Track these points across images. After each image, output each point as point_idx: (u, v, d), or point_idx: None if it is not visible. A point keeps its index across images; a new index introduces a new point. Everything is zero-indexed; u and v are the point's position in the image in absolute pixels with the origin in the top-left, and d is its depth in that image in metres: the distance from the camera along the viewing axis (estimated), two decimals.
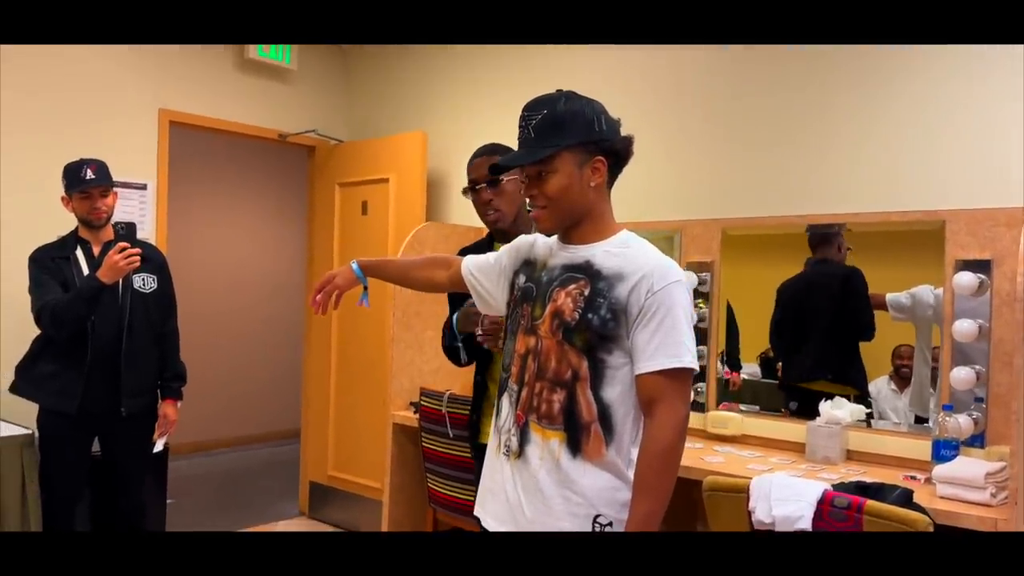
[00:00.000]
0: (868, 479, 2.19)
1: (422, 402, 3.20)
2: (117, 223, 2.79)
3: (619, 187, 1.69)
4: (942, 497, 2.18)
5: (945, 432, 2.41)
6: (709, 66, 3.22)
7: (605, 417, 1.56)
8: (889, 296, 2.71)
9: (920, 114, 2.71)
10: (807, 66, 2.95)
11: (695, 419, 3.01)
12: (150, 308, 2.96)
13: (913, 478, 2.40)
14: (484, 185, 2.21)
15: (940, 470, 2.23)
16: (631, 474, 1.56)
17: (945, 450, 2.38)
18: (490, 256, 1.83)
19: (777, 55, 3.03)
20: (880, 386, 2.76)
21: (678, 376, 1.52)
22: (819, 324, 2.95)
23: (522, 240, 1.78)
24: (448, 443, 3.06)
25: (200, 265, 5.91)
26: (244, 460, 5.97)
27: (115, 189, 2.94)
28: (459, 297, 2.10)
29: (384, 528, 3.49)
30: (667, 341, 1.51)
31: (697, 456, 2.69)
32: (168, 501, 3.58)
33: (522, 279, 1.70)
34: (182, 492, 4.80)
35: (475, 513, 1.76)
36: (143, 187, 3.89)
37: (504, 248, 1.82)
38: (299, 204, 5.48)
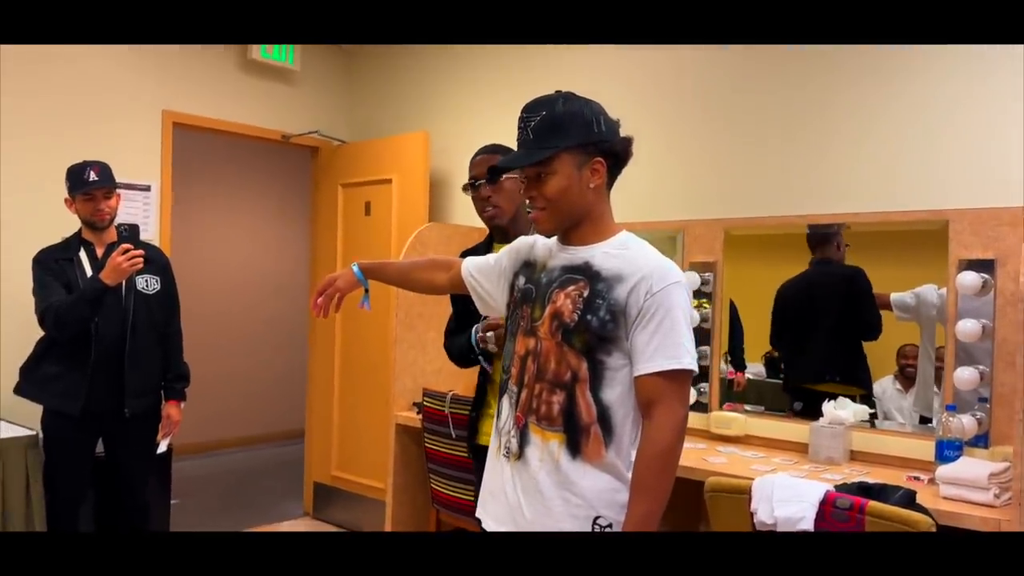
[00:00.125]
0: (871, 480, 2.18)
1: (425, 403, 3.21)
2: (120, 225, 2.80)
3: (622, 187, 1.69)
4: (945, 498, 2.17)
5: (948, 432, 2.40)
6: (711, 66, 3.22)
7: (605, 419, 1.56)
8: (894, 296, 2.70)
9: (923, 114, 2.70)
10: (810, 66, 2.95)
11: (698, 419, 3.01)
12: (153, 309, 2.97)
13: (916, 478, 2.39)
14: (483, 182, 2.23)
15: (943, 471, 2.22)
16: (631, 475, 1.55)
17: (948, 450, 2.38)
18: (490, 257, 1.83)
19: (780, 55, 3.02)
20: (885, 386, 2.75)
21: (677, 378, 1.52)
22: (825, 325, 2.94)
23: (522, 242, 1.78)
24: (451, 444, 3.06)
25: (204, 266, 5.92)
26: (248, 460, 5.98)
27: (118, 191, 2.96)
28: (461, 299, 2.11)
29: (387, 528, 3.50)
30: (666, 343, 1.51)
31: (700, 457, 2.68)
32: (172, 501, 3.59)
33: (522, 280, 1.70)
34: (186, 492, 4.81)
35: (476, 515, 1.76)
36: (146, 188, 3.90)
37: (504, 249, 1.82)
38: (302, 205, 5.49)
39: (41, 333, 2.86)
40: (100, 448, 2.98)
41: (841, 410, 2.70)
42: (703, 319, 3.08)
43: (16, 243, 3.29)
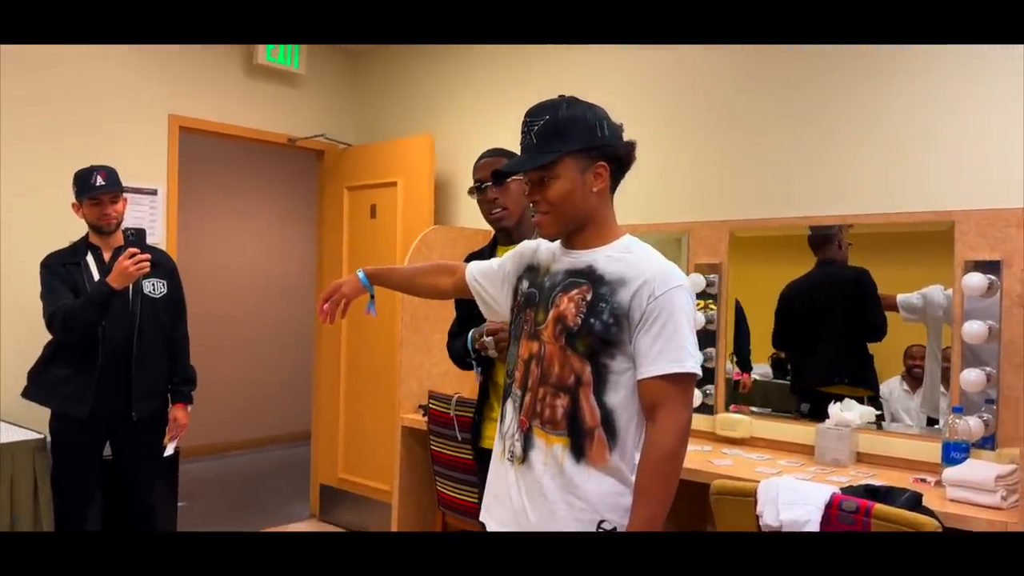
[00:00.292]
0: (877, 482, 2.18)
1: (431, 405, 3.21)
2: (127, 229, 2.81)
3: (627, 189, 1.70)
4: (952, 500, 2.17)
5: (955, 434, 2.39)
6: (716, 68, 3.22)
7: (608, 422, 1.56)
8: (900, 297, 2.70)
9: (928, 115, 2.69)
10: (813, 67, 2.94)
11: (704, 421, 3.01)
12: (160, 313, 2.98)
13: (923, 480, 2.39)
14: (489, 184, 2.24)
15: (950, 473, 2.22)
16: (635, 479, 1.55)
17: (955, 452, 2.37)
18: (494, 262, 1.84)
19: (783, 56, 3.02)
20: (892, 386, 2.75)
21: (680, 381, 1.52)
22: (830, 326, 2.94)
23: (525, 246, 1.78)
24: (457, 446, 3.07)
25: (210, 269, 5.94)
26: (255, 463, 5.99)
27: (125, 195, 2.97)
28: (465, 303, 2.12)
29: (393, 531, 3.50)
30: (669, 346, 1.51)
31: (705, 459, 2.68)
32: (179, 504, 3.61)
33: (525, 284, 1.70)
34: (193, 495, 4.82)
35: (480, 519, 1.76)
36: (153, 192, 3.92)
37: (508, 254, 1.82)
38: (308, 208, 5.50)
39: (49, 337, 2.88)
40: (108, 451, 2.99)
41: (847, 412, 2.70)
42: (708, 321, 3.08)
43: (24, 248, 3.31)
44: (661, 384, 1.51)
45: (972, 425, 2.40)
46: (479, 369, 2.29)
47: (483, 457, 2.02)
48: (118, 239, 2.92)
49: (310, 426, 4.82)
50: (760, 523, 2.03)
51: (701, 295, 3.08)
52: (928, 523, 1.82)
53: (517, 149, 1.67)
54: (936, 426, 2.59)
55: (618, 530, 1.56)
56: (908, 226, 2.67)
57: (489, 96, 4.06)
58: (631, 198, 1.94)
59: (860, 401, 2.75)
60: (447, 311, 2.47)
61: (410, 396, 3.52)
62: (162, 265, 3.00)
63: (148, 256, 2.73)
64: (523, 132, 1.60)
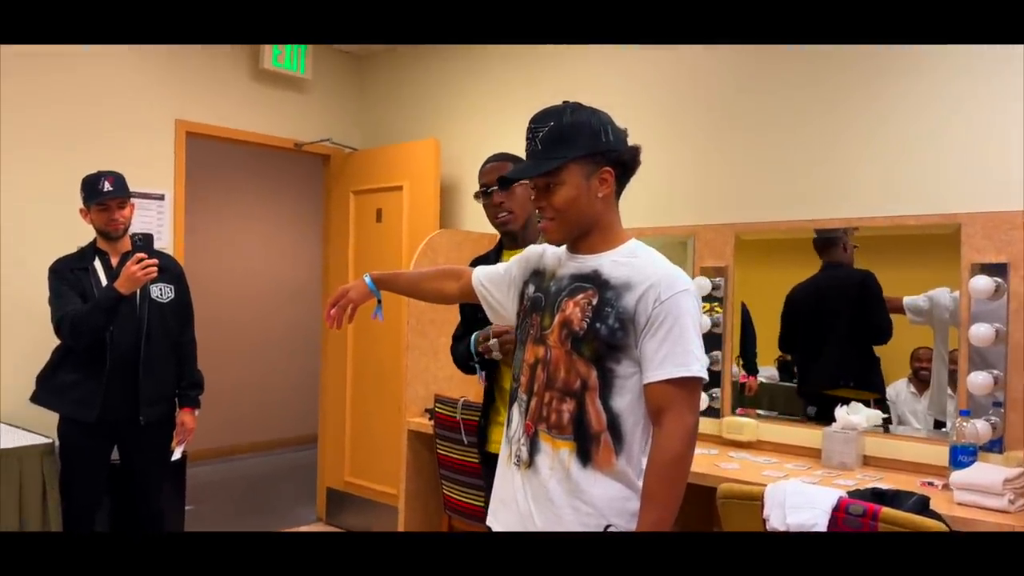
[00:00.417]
0: (884, 485, 2.17)
1: (437, 409, 3.21)
2: (135, 234, 2.83)
3: (633, 193, 1.70)
4: (959, 504, 2.16)
5: (962, 437, 2.38)
6: (721, 71, 3.22)
7: (615, 426, 1.56)
8: (906, 299, 2.69)
9: (933, 117, 2.69)
10: (818, 69, 2.94)
11: (710, 425, 3.00)
12: (167, 317, 2.99)
13: (930, 484, 2.38)
14: (495, 188, 2.24)
15: (957, 476, 2.21)
16: (641, 483, 1.55)
17: (962, 456, 2.36)
18: (500, 267, 1.85)
19: (789, 59, 3.02)
20: (899, 389, 2.74)
21: (686, 385, 1.52)
22: (836, 329, 2.93)
23: (531, 250, 1.79)
24: (463, 450, 3.07)
25: (217, 273, 5.96)
26: (261, 466, 6.01)
27: (132, 200, 2.98)
28: (470, 307, 2.12)
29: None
30: (675, 350, 1.51)
31: (712, 463, 2.68)
32: (187, 507, 3.62)
33: (531, 289, 1.71)
34: (200, 498, 4.83)
35: (487, 523, 1.77)
36: (160, 197, 3.94)
37: (514, 259, 1.83)
38: (314, 212, 5.52)
39: (57, 342, 2.90)
40: (115, 455, 3.00)
41: (854, 415, 2.69)
42: (714, 324, 3.08)
43: (32, 253, 3.32)
44: (667, 388, 1.52)
45: (979, 428, 2.39)
46: (482, 373, 2.29)
47: (490, 462, 2.02)
48: (126, 244, 2.93)
49: (317, 430, 4.83)
50: (767, 527, 2.03)
51: (707, 298, 3.08)
52: (936, 527, 1.81)
53: (522, 153, 1.68)
54: (943, 429, 2.58)
55: None
56: (914, 228, 2.67)
57: (494, 100, 4.06)
58: (636, 202, 1.94)
59: (866, 404, 2.74)
60: (453, 315, 2.47)
61: (416, 400, 3.53)
62: (169, 270, 3.01)
63: (155, 261, 2.75)
64: (528, 138, 1.60)
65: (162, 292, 2.98)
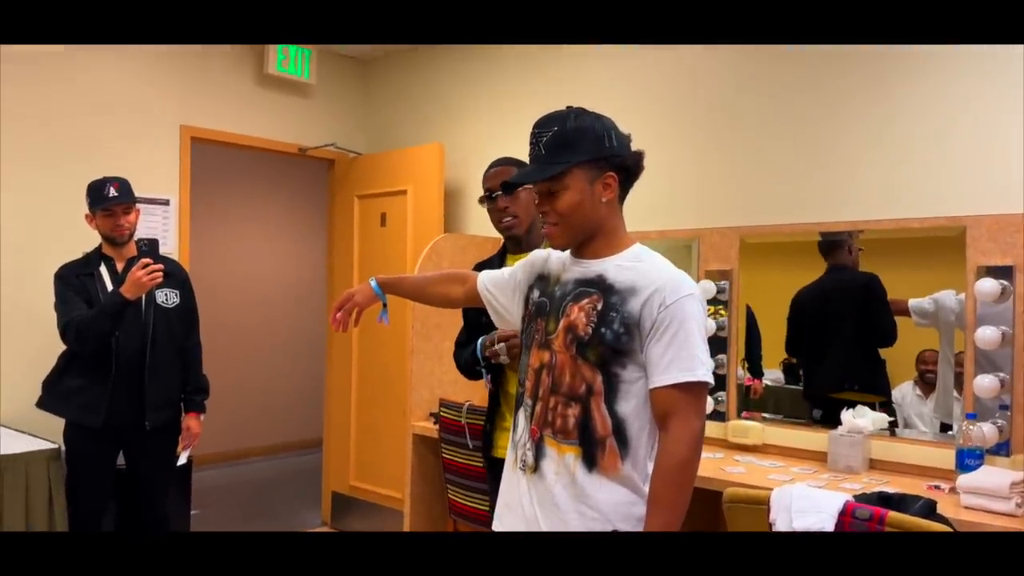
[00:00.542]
0: (891, 489, 2.16)
1: (441, 413, 3.22)
2: (140, 239, 2.84)
3: (637, 196, 1.70)
4: (966, 507, 2.15)
5: (969, 441, 2.37)
6: (725, 74, 3.22)
7: (620, 431, 1.56)
8: (912, 302, 2.68)
9: (938, 119, 2.68)
10: (823, 72, 2.94)
11: (716, 428, 3.00)
12: (173, 323, 3.00)
13: (937, 487, 2.37)
14: (499, 193, 2.25)
15: (964, 480, 2.20)
16: (647, 488, 1.55)
17: (969, 459, 2.35)
18: (505, 271, 1.85)
19: (793, 61, 3.01)
20: (905, 391, 2.73)
21: (692, 390, 1.52)
22: (841, 332, 2.93)
23: (536, 255, 1.79)
24: (468, 454, 3.07)
25: (222, 278, 5.97)
26: (267, 470, 6.01)
27: (138, 206, 2.99)
28: (474, 312, 2.12)
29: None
30: (680, 355, 1.51)
31: (717, 466, 2.67)
32: (192, 512, 3.62)
33: (536, 294, 1.71)
34: (206, 503, 4.84)
35: (493, 528, 1.76)
36: (165, 203, 3.95)
37: (519, 263, 1.83)
38: (319, 217, 5.53)
39: (63, 348, 2.90)
40: (121, 460, 3.01)
41: (860, 418, 2.68)
42: (719, 327, 3.07)
43: (38, 259, 3.34)
44: (673, 393, 1.52)
45: (986, 431, 2.38)
46: (488, 377, 2.29)
47: (495, 467, 2.02)
48: (131, 250, 2.94)
49: (322, 434, 4.84)
50: (773, 531, 2.02)
51: (712, 301, 3.08)
52: (943, 531, 1.80)
53: (526, 157, 1.68)
54: (950, 432, 2.58)
55: None
56: (919, 231, 2.66)
57: (499, 104, 4.07)
58: (641, 205, 1.94)
59: (872, 407, 2.74)
60: (457, 319, 2.47)
61: (421, 404, 3.53)
62: (174, 275, 3.01)
63: (161, 266, 2.75)
64: (531, 143, 1.61)
65: (167, 297, 2.99)
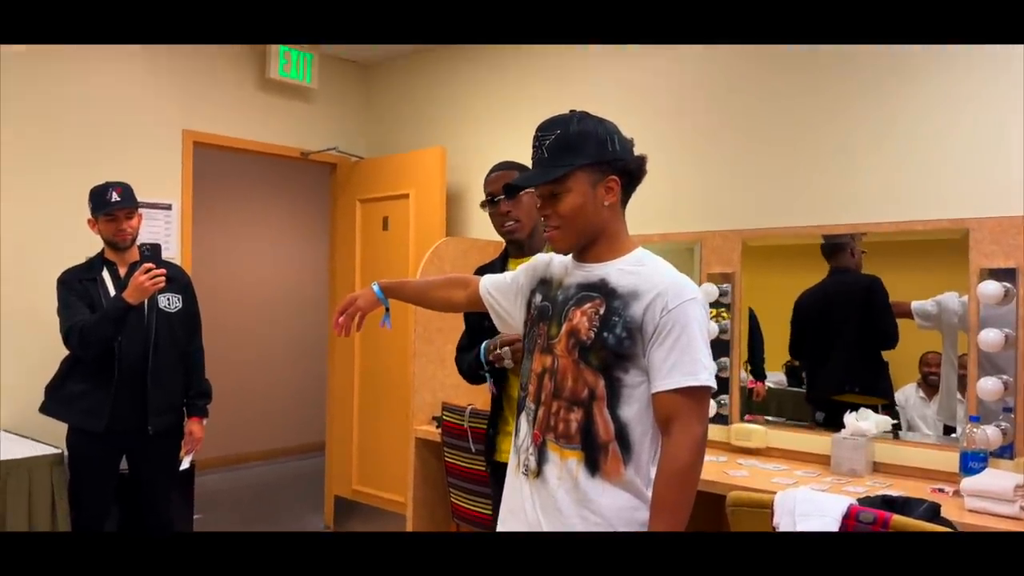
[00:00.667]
0: (894, 492, 2.16)
1: (444, 417, 3.21)
2: (142, 244, 2.84)
3: (639, 200, 1.70)
4: (970, 511, 2.15)
5: (973, 444, 2.37)
6: (728, 77, 3.22)
7: (623, 436, 1.56)
8: (915, 304, 2.68)
9: (940, 121, 2.68)
10: (825, 75, 2.94)
11: (719, 431, 3.00)
12: (175, 327, 3.00)
13: (941, 491, 2.37)
14: (502, 197, 2.24)
15: (968, 483, 2.20)
16: (650, 493, 1.55)
17: (973, 462, 2.35)
18: (507, 275, 1.85)
19: (796, 65, 3.02)
20: (908, 394, 2.73)
21: (694, 394, 1.52)
22: (844, 334, 2.92)
23: (538, 259, 1.79)
24: (470, 458, 3.07)
25: (225, 282, 5.98)
26: (269, 474, 6.01)
27: (140, 210, 2.99)
28: (476, 317, 2.12)
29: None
30: (683, 359, 1.51)
31: (721, 470, 2.67)
32: (195, 516, 3.62)
33: (538, 298, 1.71)
34: (208, 507, 4.84)
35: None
36: (168, 207, 3.95)
37: (521, 267, 1.83)
38: (321, 221, 5.53)
39: (66, 353, 2.91)
40: (124, 465, 3.01)
41: (863, 421, 2.68)
42: (722, 330, 3.07)
43: (40, 264, 3.34)
44: (676, 398, 1.51)
45: (990, 434, 2.38)
46: (492, 381, 2.29)
47: (498, 471, 2.02)
48: (133, 254, 2.95)
49: (324, 438, 4.83)
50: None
51: (714, 304, 3.07)
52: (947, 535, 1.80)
53: (528, 161, 1.68)
54: (953, 435, 2.57)
55: None
56: (921, 234, 2.66)
57: (500, 108, 4.07)
58: (643, 209, 1.94)
59: (875, 409, 2.73)
60: (459, 323, 2.47)
61: (423, 407, 3.53)
62: (177, 280, 3.02)
63: (163, 271, 2.75)
64: (534, 147, 1.61)
65: (170, 302, 2.99)
